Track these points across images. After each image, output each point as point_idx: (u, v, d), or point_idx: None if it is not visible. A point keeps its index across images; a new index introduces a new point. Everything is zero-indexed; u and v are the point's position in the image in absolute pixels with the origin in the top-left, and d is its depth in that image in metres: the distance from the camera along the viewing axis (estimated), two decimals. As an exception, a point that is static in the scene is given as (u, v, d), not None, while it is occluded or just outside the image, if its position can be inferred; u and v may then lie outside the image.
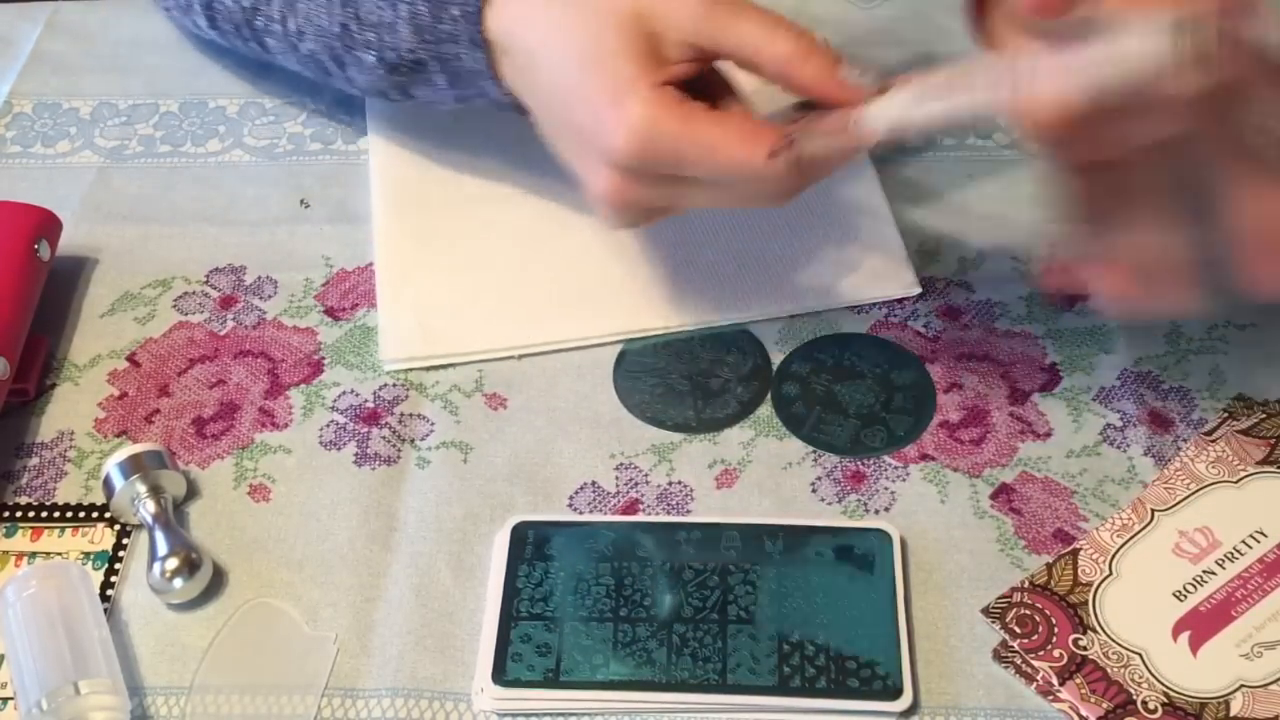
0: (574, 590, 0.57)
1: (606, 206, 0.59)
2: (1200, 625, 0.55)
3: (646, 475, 0.62)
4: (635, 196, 0.58)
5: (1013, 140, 0.75)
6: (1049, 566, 0.57)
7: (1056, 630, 0.55)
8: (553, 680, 0.55)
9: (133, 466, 0.60)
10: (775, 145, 0.54)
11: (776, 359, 0.66)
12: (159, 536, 0.59)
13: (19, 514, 0.62)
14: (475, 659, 0.56)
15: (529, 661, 0.55)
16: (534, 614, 0.57)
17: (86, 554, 0.61)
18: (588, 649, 0.56)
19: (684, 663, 0.55)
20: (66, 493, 0.63)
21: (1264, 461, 0.60)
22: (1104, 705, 0.53)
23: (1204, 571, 0.56)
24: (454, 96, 0.66)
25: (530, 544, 0.59)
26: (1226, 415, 0.62)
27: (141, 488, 0.60)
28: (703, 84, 0.58)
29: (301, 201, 0.75)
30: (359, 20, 0.66)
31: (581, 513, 0.61)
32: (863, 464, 0.62)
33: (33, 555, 0.61)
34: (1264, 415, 0.62)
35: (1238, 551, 0.57)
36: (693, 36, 0.56)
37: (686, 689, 0.54)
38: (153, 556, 0.58)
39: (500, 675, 0.55)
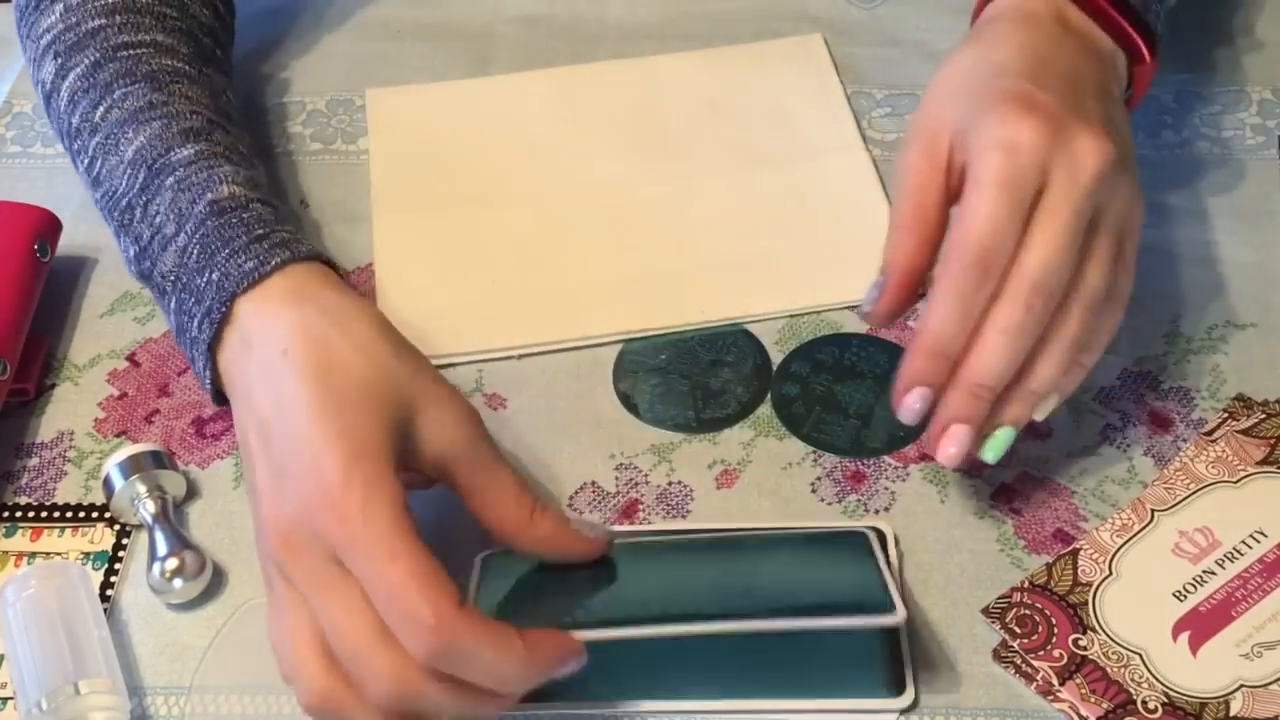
0: (571, 598, 0.57)
1: (271, 556, 0.51)
2: (1200, 625, 0.55)
3: (646, 475, 0.62)
4: (294, 556, 0.50)
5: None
6: (1049, 566, 0.57)
7: (1056, 630, 0.55)
8: (553, 689, 0.54)
9: (133, 466, 0.60)
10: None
11: (776, 359, 0.66)
12: (159, 536, 0.59)
13: (19, 514, 0.62)
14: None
15: None
16: (533, 619, 0.56)
17: (86, 554, 0.61)
18: (588, 656, 0.55)
19: (685, 665, 0.55)
20: (66, 493, 0.63)
21: (1264, 461, 0.60)
22: (1104, 705, 0.53)
23: (1204, 571, 0.56)
24: (178, 344, 0.61)
25: (504, 574, 0.57)
26: (1226, 415, 0.62)
27: (141, 488, 0.60)
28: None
29: (301, 201, 0.75)
30: (145, 210, 0.62)
31: (582, 513, 0.61)
32: (863, 464, 0.62)
33: (33, 555, 0.61)
34: (1264, 415, 0.62)
35: (1238, 551, 0.57)
36: (443, 457, 0.53)
37: (688, 693, 0.54)
38: (153, 556, 0.58)
39: None
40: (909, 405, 0.55)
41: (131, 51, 0.67)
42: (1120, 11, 0.60)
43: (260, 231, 0.59)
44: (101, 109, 0.65)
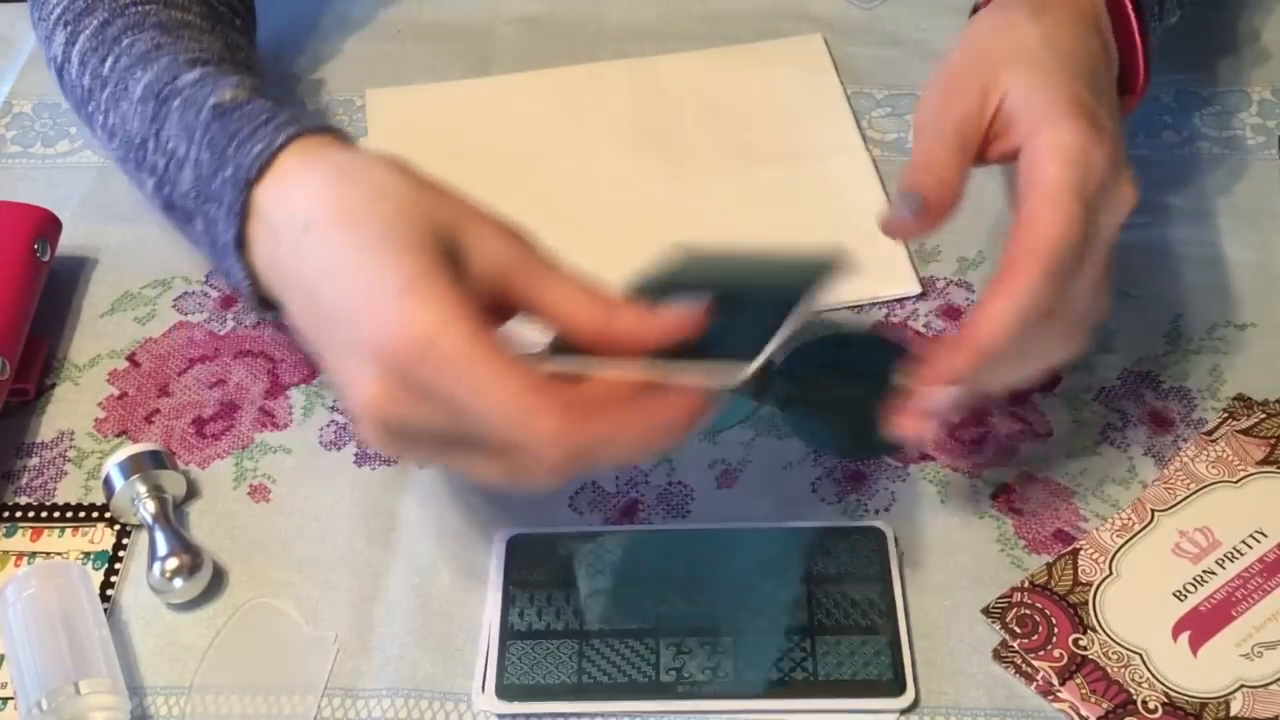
0: (571, 600, 0.57)
1: (365, 418, 0.48)
2: (1200, 625, 0.55)
3: (646, 476, 0.62)
4: (399, 413, 0.47)
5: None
6: (1049, 566, 0.57)
7: (1056, 630, 0.55)
8: (554, 689, 0.55)
9: (133, 466, 0.60)
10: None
11: (777, 359, 0.66)
12: (159, 536, 0.59)
13: (19, 514, 0.62)
14: (475, 659, 0.56)
15: (530, 670, 0.55)
16: (533, 624, 0.57)
17: (86, 554, 0.61)
18: (589, 656, 0.55)
19: (686, 667, 0.55)
20: (66, 493, 0.63)
21: (1264, 461, 0.60)
22: (1104, 705, 0.53)
23: (1204, 571, 0.56)
24: (216, 267, 0.58)
25: (526, 557, 0.59)
26: (1226, 415, 0.62)
27: (141, 488, 0.60)
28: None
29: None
30: (157, 140, 0.59)
31: (582, 513, 0.61)
32: (863, 464, 0.62)
33: (33, 555, 0.61)
34: (1264, 415, 0.62)
35: (1238, 551, 0.57)
36: (497, 272, 0.49)
37: (690, 694, 0.54)
38: (153, 556, 0.58)
39: (501, 684, 0.55)
40: (938, 400, 0.53)
41: (139, 8, 0.66)
42: (1142, 35, 0.60)
43: (264, 118, 0.55)
44: (110, 60, 0.64)
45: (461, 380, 0.45)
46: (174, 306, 0.70)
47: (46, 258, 0.69)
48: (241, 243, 0.54)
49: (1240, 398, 0.63)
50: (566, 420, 0.45)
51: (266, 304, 0.55)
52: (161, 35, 0.64)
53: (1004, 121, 0.55)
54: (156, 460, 0.61)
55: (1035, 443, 0.62)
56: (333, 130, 0.55)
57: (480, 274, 0.49)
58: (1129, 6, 0.60)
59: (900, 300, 0.68)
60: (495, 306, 0.50)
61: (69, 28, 0.67)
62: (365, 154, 0.53)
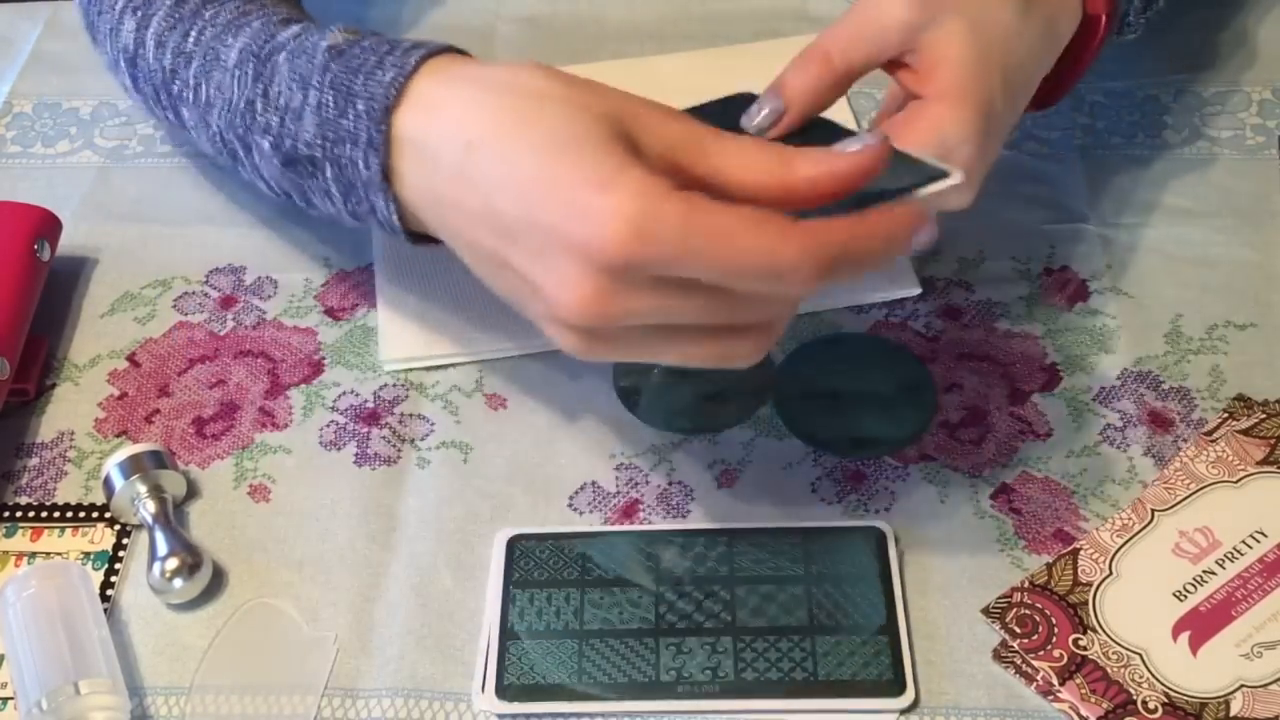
0: (571, 601, 0.57)
1: (581, 321, 0.47)
2: (1200, 625, 0.55)
3: (646, 475, 0.62)
4: (620, 308, 0.47)
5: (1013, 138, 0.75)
6: (1049, 566, 0.57)
7: (1056, 630, 0.55)
8: (554, 689, 0.55)
9: (133, 466, 0.60)
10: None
11: (777, 359, 0.66)
12: (159, 536, 0.59)
13: (19, 514, 0.62)
14: (475, 659, 0.56)
15: (530, 670, 0.55)
16: (534, 624, 0.57)
17: (86, 554, 0.61)
18: (588, 657, 0.56)
19: (686, 667, 0.55)
20: (66, 493, 0.63)
21: (1264, 461, 0.60)
22: (1104, 705, 0.53)
23: (1204, 571, 0.56)
24: (348, 212, 0.57)
25: (526, 557, 0.59)
26: (1226, 415, 0.62)
27: (141, 488, 0.60)
28: None
29: (301, 201, 0.75)
30: (265, 98, 0.58)
31: (582, 513, 0.61)
32: (863, 464, 0.62)
33: (33, 555, 0.61)
34: (1264, 415, 0.62)
35: (1238, 551, 0.57)
36: (670, 150, 0.48)
37: (690, 694, 0.54)
38: (153, 556, 0.58)
39: (500, 685, 0.55)
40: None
41: None
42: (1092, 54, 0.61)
43: (386, 48, 0.54)
44: (193, 34, 0.62)
45: (695, 243, 0.45)
46: (174, 306, 0.70)
47: (46, 258, 0.69)
48: (386, 176, 0.53)
49: (1240, 398, 0.63)
50: (810, 237, 0.45)
51: (418, 237, 0.55)
52: (244, 3, 0.63)
53: (918, 55, 0.55)
54: (156, 460, 0.61)
55: (1035, 443, 0.62)
56: (456, 49, 0.55)
57: (656, 156, 0.48)
58: (1100, 33, 0.60)
59: (900, 300, 0.68)
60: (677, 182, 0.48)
61: (139, 13, 0.65)
62: (503, 64, 0.52)
